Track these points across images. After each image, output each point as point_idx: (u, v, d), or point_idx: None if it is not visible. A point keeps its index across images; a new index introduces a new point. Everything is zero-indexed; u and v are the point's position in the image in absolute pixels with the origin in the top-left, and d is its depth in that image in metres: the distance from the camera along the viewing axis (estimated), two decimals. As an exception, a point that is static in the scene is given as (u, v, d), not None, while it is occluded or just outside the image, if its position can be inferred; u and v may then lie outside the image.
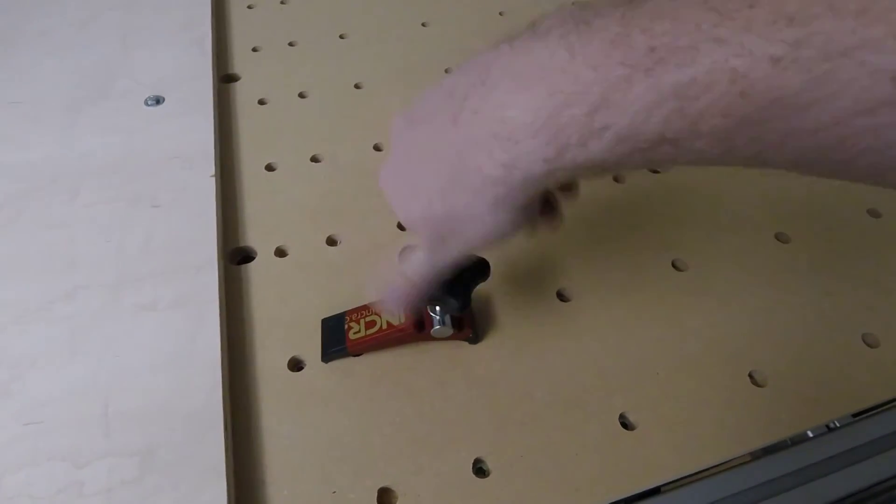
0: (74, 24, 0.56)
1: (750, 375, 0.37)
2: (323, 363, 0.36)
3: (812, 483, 0.35)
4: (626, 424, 0.35)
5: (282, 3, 0.62)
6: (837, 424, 0.37)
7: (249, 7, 0.61)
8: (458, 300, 0.32)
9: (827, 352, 0.38)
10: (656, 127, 0.18)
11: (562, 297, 0.40)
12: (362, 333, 0.35)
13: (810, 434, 0.36)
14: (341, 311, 0.37)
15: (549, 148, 0.20)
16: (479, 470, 0.33)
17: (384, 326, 0.35)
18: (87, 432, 0.32)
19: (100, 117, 0.48)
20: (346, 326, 0.36)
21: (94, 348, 0.35)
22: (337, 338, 0.36)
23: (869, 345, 0.39)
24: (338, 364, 0.36)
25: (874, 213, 0.47)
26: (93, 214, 0.41)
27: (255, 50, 0.57)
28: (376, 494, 0.31)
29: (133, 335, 0.36)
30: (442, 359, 0.37)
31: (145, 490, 0.30)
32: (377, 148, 0.48)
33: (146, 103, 0.49)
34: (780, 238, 0.44)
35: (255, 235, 0.42)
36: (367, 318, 0.36)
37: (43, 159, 0.44)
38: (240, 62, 0.55)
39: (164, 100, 0.49)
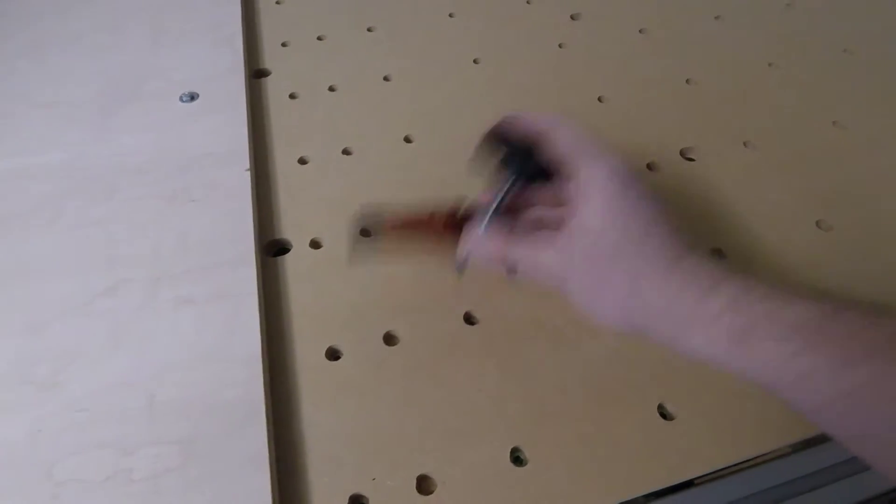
0: (106, 26, 0.57)
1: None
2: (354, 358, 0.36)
3: (855, 476, 0.34)
4: (664, 415, 0.34)
5: (309, -3, 0.62)
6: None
7: (278, 2, 0.62)
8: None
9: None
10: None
11: (596, 287, 0.40)
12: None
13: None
14: (383, 300, 0.38)
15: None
16: (517, 459, 0.33)
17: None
18: (133, 422, 0.33)
19: (134, 116, 0.49)
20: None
21: (136, 341, 0.36)
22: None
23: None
24: (373, 355, 0.36)
25: (920, 199, 0.45)
26: (130, 211, 0.42)
27: (284, 45, 0.57)
28: (415, 482, 0.32)
29: (173, 329, 0.36)
30: (476, 351, 0.37)
31: (190, 477, 0.31)
32: (407, 140, 0.48)
33: (181, 100, 0.50)
34: (821, 226, 0.43)
35: (290, 228, 0.43)
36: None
37: (79, 159, 0.45)
38: (270, 57, 0.56)
39: (198, 96, 0.50)
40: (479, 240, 0.32)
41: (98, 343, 0.36)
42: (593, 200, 0.28)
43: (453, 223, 0.34)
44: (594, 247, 0.28)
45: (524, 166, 0.31)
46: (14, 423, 0.32)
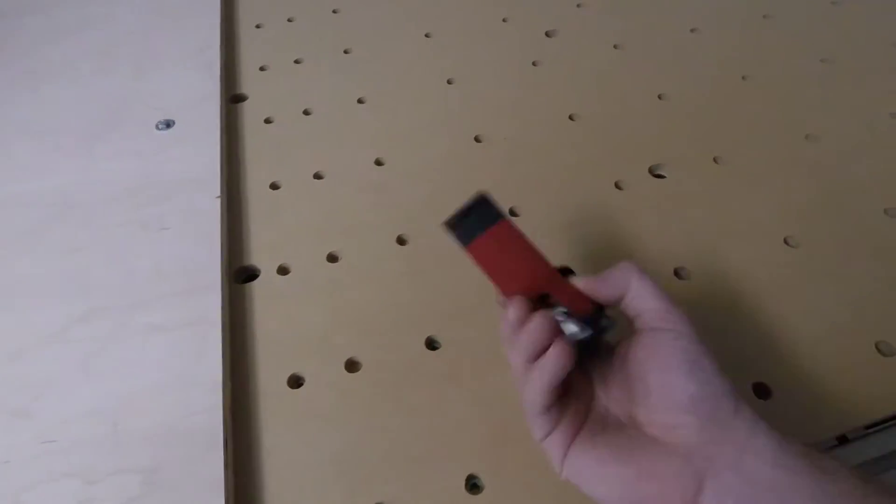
0: (94, 52, 0.58)
1: (754, 387, 0.36)
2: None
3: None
4: (622, 439, 0.34)
5: (289, 20, 0.63)
6: (848, 437, 0.36)
7: (258, 26, 0.63)
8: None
9: (837, 361, 0.37)
10: None
11: (560, 309, 0.40)
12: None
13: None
14: (347, 326, 0.38)
15: None
16: (474, 486, 0.33)
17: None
18: (99, 450, 0.33)
19: (114, 143, 0.50)
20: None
21: (106, 369, 0.37)
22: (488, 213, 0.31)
23: (883, 353, 0.38)
24: (337, 380, 0.37)
25: (892, 213, 0.45)
26: (106, 239, 0.43)
27: (262, 69, 0.58)
28: (370, 511, 0.32)
29: (142, 356, 0.37)
30: (438, 377, 0.37)
31: (150, 506, 0.31)
32: (378, 162, 0.49)
33: (157, 127, 0.51)
34: (789, 243, 0.43)
35: (259, 254, 0.43)
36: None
37: (62, 186, 0.47)
38: (248, 82, 0.57)
39: (174, 123, 0.51)
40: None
41: (70, 371, 0.37)
42: (670, 364, 0.27)
43: (547, 281, 0.30)
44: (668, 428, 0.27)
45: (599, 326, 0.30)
46: (-16, 454, 0.33)
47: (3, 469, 0.33)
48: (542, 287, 0.30)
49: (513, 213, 0.45)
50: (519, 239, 0.31)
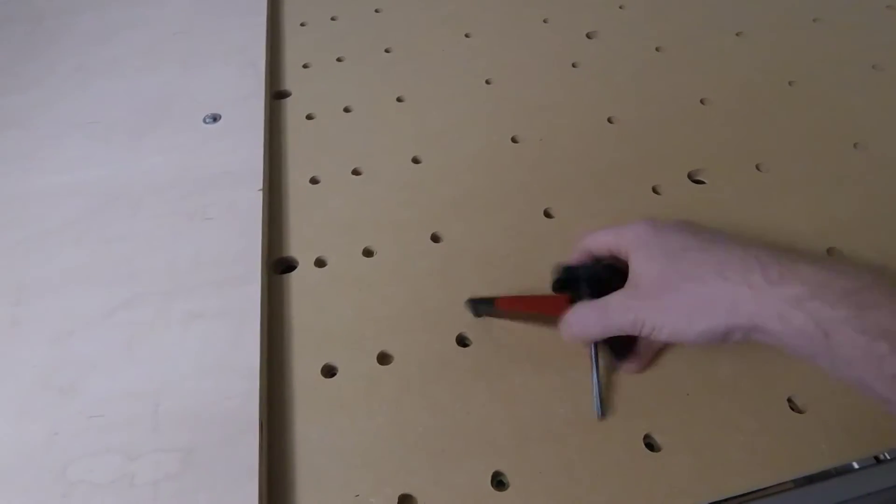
0: (142, 51, 0.60)
1: (789, 400, 0.35)
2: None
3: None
4: (651, 446, 0.34)
5: (332, 19, 0.65)
6: (887, 457, 0.34)
7: (302, 24, 0.64)
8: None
9: (879, 377, 0.36)
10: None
11: (591, 312, 0.40)
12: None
13: (856, 466, 0.34)
14: (379, 319, 0.40)
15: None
16: (499, 483, 0.34)
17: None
18: (139, 429, 0.35)
19: (161, 137, 0.52)
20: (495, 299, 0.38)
21: (148, 353, 0.38)
22: (486, 301, 0.38)
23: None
24: (367, 373, 0.38)
25: (944, 227, 0.43)
26: (151, 229, 0.45)
27: (305, 66, 0.59)
28: (396, 501, 0.33)
29: (182, 341, 0.39)
30: (466, 373, 0.37)
31: (186, 485, 0.33)
32: (415, 160, 0.50)
33: (204, 121, 0.52)
34: (833, 254, 0.42)
35: (298, 246, 0.44)
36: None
37: (111, 177, 0.49)
38: (291, 79, 0.58)
39: (220, 117, 0.53)
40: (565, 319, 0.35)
41: (114, 353, 0.39)
42: (637, 252, 0.32)
43: (554, 304, 0.37)
44: (655, 277, 0.31)
45: (584, 283, 0.36)
46: (35, 426, 0.35)
47: (52, 441, 0.35)
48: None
49: (547, 214, 0.45)
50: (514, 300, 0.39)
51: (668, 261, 0.31)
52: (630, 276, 0.33)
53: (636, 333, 0.32)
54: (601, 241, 0.35)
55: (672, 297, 0.30)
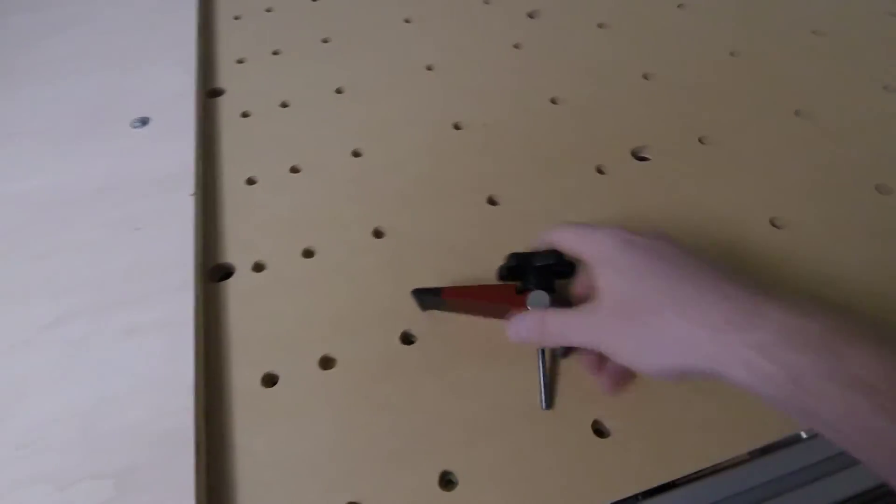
0: (74, 52, 0.57)
1: (736, 375, 0.35)
2: (290, 379, 0.36)
3: (806, 487, 0.33)
4: (600, 432, 0.34)
5: (267, 10, 0.62)
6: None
7: (236, 18, 0.62)
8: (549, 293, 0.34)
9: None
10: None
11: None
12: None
13: (804, 435, 0.34)
14: (321, 322, 0.39)
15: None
16: (448, 482, 0.33)
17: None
18: (71, 454, 0.33)
19: (90, 144, 0.49)
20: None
21: (79, 373, 0.36)
22: (433, 291, 0.37)
23: (872, 336, 0.36)
24: (311, 377, 0.36)
25: (884, 190, 0.43)
26: (82, 240, 0.43)
27: (240, 62, 0.57)
28: (344, 510, 0.32)
29: (118, 358, 0.37)
30: (413, 371, 0.36)
31: (122, 510, 0.31)
32: (356, 153, 0.48)
33: (132, 126, 0.50)
34: (776, 223, 0.42)
35: (235, 251, 0.43)
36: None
37: (38, 189, 0.46)
38: (225, 75, 0.56)
39: (149, 120, 0.50)
40: (518, 318, 0.33)
41: (46, 374, 0.37)
42: (604, 267, 0.30)
43: (501, 293, 0.36)
44: (618, 298, 0.29)
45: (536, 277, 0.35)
46: (-43, 460, 0.33)
47: (-22, 475, 0.33)
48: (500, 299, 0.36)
49: (491, 201, 0.44)
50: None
51: (631, 287, 0.29)
52: (595, 290, 0.31)
53: (593, 351, 0.31)
54: (566, 242, 0.33)
55: (631, 328, 0.28)
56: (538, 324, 0.32)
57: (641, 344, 0.28)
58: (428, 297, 0.37)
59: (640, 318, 0.28)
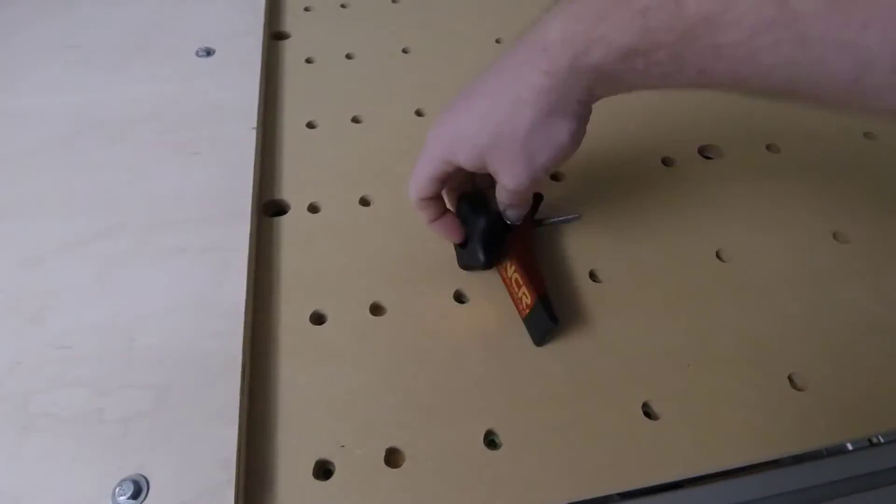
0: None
1: (790, 378, 0.35)
2: (343, 321, 0.36)
3: (846, 498, 0.33)
4: (648, 414, 0.33)
5: (338, -36, 0.62)
6: (881, 440, 0.34)
7: (306, -33, 0.61)
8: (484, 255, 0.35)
9: (877, 360, 0.36)
10: (631, 39, 0.24)
11: (594, 277, 0.39)
12: None
13: (850, 447, 0.34)
14: (374, 269, 0.38)
15: (569, 54, 0.26)
16: (491, 442, 0.32)
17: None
18: (111, 363, 0.33)
19: (150, 66, 0.49)
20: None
21: (124, 285, 0.36)
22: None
23: (926, 358, 0.36)
24: (358, 323, 0.36)
25: (947, 220, 0.43)
26: (134, 158, 0.42)
27: (307, 9, 0.56)
28: (384, 454, 0.31)
29: (162, 276, 0.36)
30: (462, 330, 0.36)
31: (161, 423, 0.30)
32: (419, 113, 0.48)
33: (197, 54, 0.49)
34: (838, 238, 0.41)
35: (291, 190, 0.42)
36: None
37: (92, 103, 0.46)
38: (291, 21, 0.55)
39: (214, 52, 0.50)
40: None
41: (87, 283, 0.36)
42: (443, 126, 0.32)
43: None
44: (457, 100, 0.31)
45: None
46: (-5, 353, 0.33)
47: (14, 370, 0.32)
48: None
49: (555, 178, 0.44)
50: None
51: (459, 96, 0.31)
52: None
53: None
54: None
55: (469, 119, 0.30)
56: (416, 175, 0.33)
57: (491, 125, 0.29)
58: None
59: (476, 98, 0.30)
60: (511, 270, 0.36)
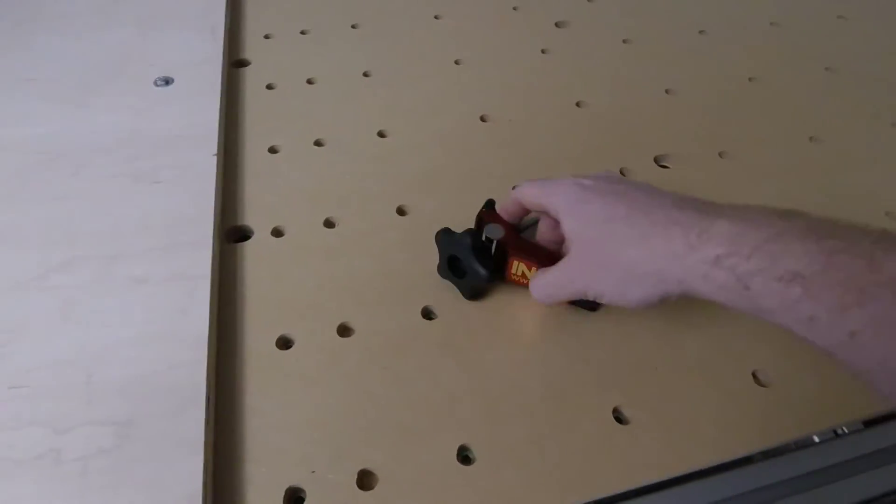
0: (94, 8, 0.57)
1: (753, 375, 0.35)
2: (309, 345, 0.35)
3: (815, 490, 0.33)
4: (620, 419, 0.34)
5: (297, -8, 0.62)
6: (846, 431, 0.35)
7: (265, -4, 0.62)
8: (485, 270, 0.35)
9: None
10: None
11: (560, 288, 0.39)
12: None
13: (816, 439, 0.35)
14: (341, 291, 0.38)
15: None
16: (465, 458, 0.32)
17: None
18: (70, 400, 0.31)
19: (110, 96, 0.48)
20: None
21: (84, 318, 0.35)
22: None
23: (883, 350, 0.37)
24: (326, 346, 0.35)
25: (893, 216, 0.45)
26: (95, 189, 0.42)
27: (267, 37, 0.57)
28: (356, 476, 0.30)
29: (124, 307, 0.35)
30: (432, 347, 0.36)
31: (122, 459, 0.29)
32: (381, 134, 0.48)
33: (155, 83, 0.49)
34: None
35: (254, 215, 0.42)
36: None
37: (51, 135, 0.45)
38: (251, 48, 0.56)
39: (173, 81, 0.50)
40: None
41: (46, 319, 0.35)
42: (566, 217, 0.33)
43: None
44: (587, 246, 0.32)
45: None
46: (-53, 395, 0.31)
47: (-33, 413, 0.31)
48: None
49: (516, 192, 0.45)
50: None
51: (596, 232, 0.31)
52: (566, 240, 0.34)
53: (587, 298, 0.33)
54: (530, 196, 0.35)
55: (603, 271, 0.31)
56: (540, 286, 0.34)
57: (619, 282, 0.31)
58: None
59: (611, 261, 0.31)
60: (516, 267, 0.36)
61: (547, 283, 0.34)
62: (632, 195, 0.32)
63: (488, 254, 0.36)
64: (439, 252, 0.37)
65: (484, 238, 0.36)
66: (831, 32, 0.62)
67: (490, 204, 0.39)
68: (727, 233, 0.27)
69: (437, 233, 0.37)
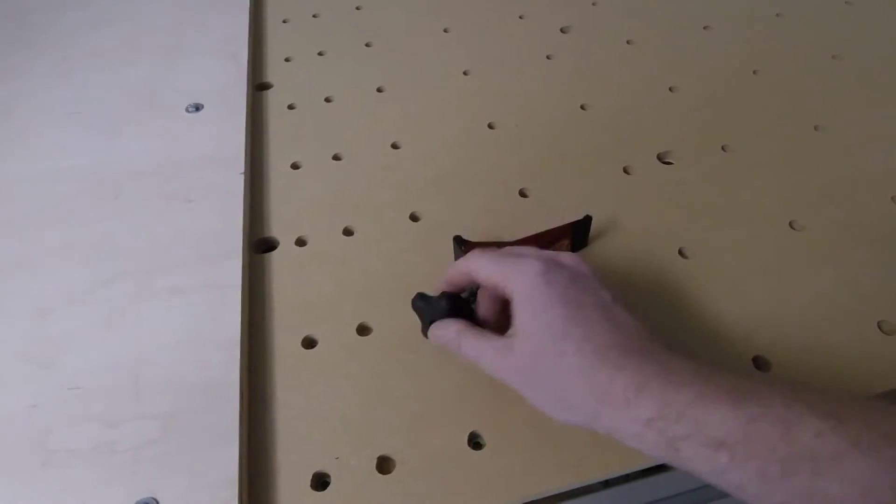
0: (125, 44, 0.61)
1: (753, 360, 0.37)
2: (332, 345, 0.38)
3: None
4: (622, 404, 0.35)
5: (314, 16, 0.66)
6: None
7: (284, 21, 0.66)
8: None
9: (840, 340, 0.38)
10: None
11: (565, 283, 0.41)
12: None
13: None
14: (359, 293, 0.41)
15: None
16: (476, 444, 0.34)
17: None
18: (119, 398, 0.35)
19: (143, 124, 0.53)
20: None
21: (128, 327, 0.39)
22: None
23: (885, 332, 0.38)
24: (347, 344, 0.38)
25: (899, 201, 0.45)
26: (134, 210, 0.46)
27: (287, 60, 0.61)
28: (375, 461, 0.33)
29: (164, 315, 0.39)
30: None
31: (168, 449, 0.33)
32: (394, 146, 0.51)
33: (187, 110, 0.53)
34: (794, 226, 0.44)
35: (279, 227, 0.45)
36: None
37: (93, 164, 0.49)
38: (273, 71, 0.59)
39: (202, 107, 0.54)
40: (440, 324, 0.34)
41: (94, 328, 0.39)
42: (522, 310, 0.30)
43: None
44: (535, 351, 0.30)
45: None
46: (13, 398, 0.35)
47: (31, 412, 0.35)
48: None
49: (522, 194, 0.47)
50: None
51: (548, 343, 0.29)
52: (512, 326, 0.31)
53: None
54: (485, 273, 0.32)
55: (542, 384, 0.30)
56: (454, 341, 0.33)
57: (554, 402, 0.30)
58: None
59: (552, 379, 0.29)
60: None
61: (472, 349, 0.32)
62: (590, 316, 0.30)
63: (468, 307, 0.35)
64: (420, 318, 0.36)
65: (465, 295, 0.35)
66: (838, 18, 0.63)
67: (461, 241, 0.40)
68: (659, 392, 0.26)
69: (413, 299, 0.36)
